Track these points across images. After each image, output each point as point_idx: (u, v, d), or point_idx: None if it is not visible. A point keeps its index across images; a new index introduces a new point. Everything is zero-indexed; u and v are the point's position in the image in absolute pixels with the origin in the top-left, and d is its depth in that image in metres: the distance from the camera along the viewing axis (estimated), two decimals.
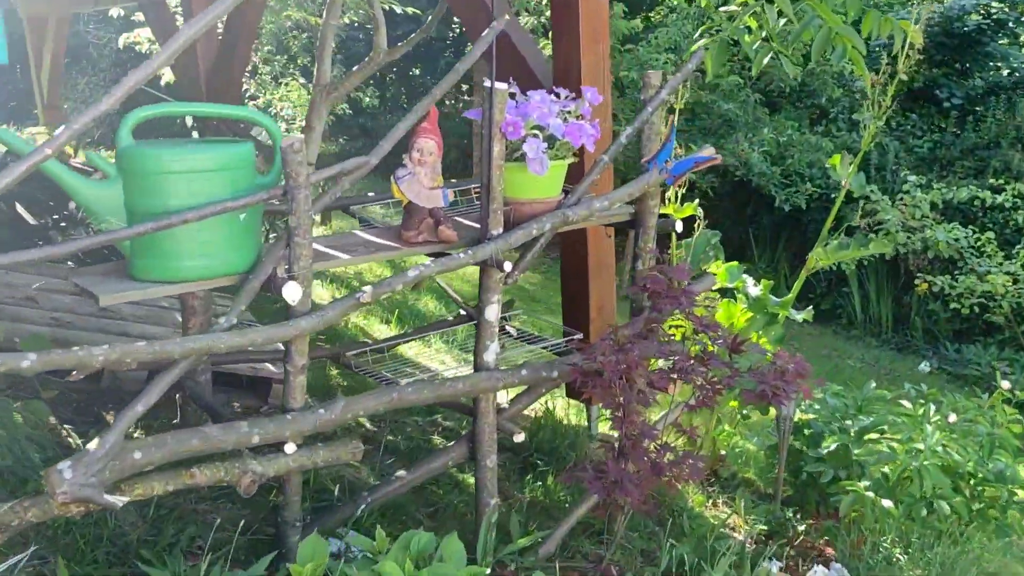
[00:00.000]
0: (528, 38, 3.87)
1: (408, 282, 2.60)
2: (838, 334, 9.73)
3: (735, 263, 3.91)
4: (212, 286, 2.39)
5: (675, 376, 2.87)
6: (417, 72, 13.53)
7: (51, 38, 8.57)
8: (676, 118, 4.06)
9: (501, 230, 2.80)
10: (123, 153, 2.32)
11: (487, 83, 2.68)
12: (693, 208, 4.18)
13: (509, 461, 3.81)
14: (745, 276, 3.99)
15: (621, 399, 2.71)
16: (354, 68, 3.62)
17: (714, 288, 3.94)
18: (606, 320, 3.87)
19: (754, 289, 3.76)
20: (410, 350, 5.13)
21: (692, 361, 2.90)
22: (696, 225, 4.31)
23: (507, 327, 3.86)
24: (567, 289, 3.96)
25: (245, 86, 8.91)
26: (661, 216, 3.17)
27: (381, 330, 5.71)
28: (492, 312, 2.84)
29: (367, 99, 9.08)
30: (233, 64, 5.95)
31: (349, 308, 2.50)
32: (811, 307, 4.10)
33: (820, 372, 8.03)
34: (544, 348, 3.66)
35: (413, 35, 3.82)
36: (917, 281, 8.32)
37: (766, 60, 3.99)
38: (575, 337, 3.49)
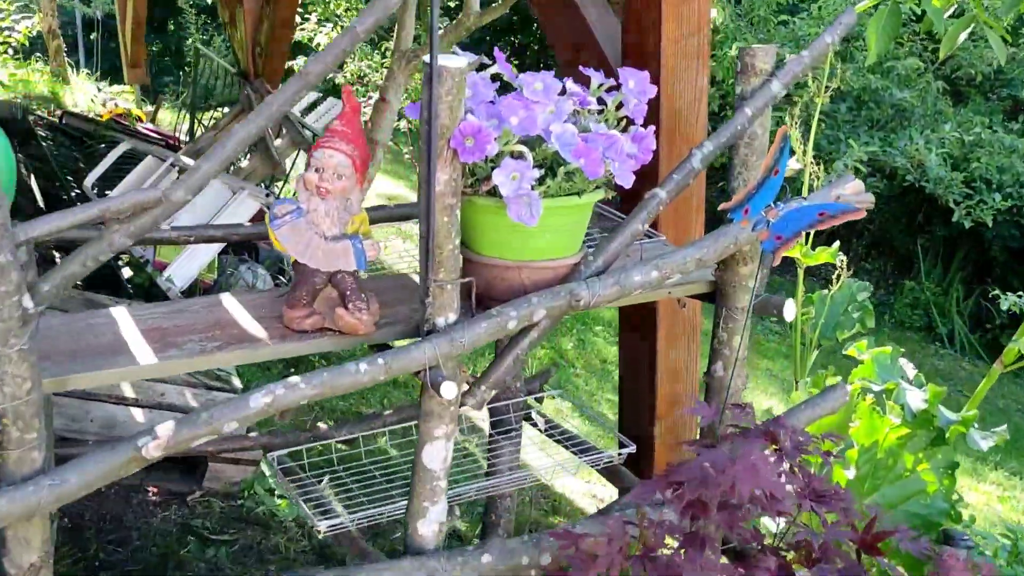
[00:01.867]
0: None
1: (247, 417, 1.42)
2: (1021, 379, 7.99)
3: (887, 349, 2.55)
4: None
5: None
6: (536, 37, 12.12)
7: None
8: (797, 123, 2.73)
9: (454, 317, 1.58)
10: None
11: (427, 57, 1.45)
12: (832, 254, 2.83)
13: None
14: (903, 366, 2.62)
15: None
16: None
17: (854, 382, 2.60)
18: (680, 421, 2.59)
19: (916, 396, 2.40)
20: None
21: (785, 560, 1.63)
22: (836, 275, 2.96)
23: (534, 414, 2.64)
24: (625, 371, 2.69)
25: None
26: (780, 268, 1.88)
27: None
28: (433, 456, 1.63)
29: None
30: (276, 18, 4.89)
31: (114, 468, 1.35)
32: (988, 345, 2.71)
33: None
34: (586, 460, 2.43)
35: None
36: None
37: (963, 37, 2.60)
38: (626, 451, 2.25)
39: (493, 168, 1.54)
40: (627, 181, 1.58)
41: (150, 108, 8.33)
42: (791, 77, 1.76)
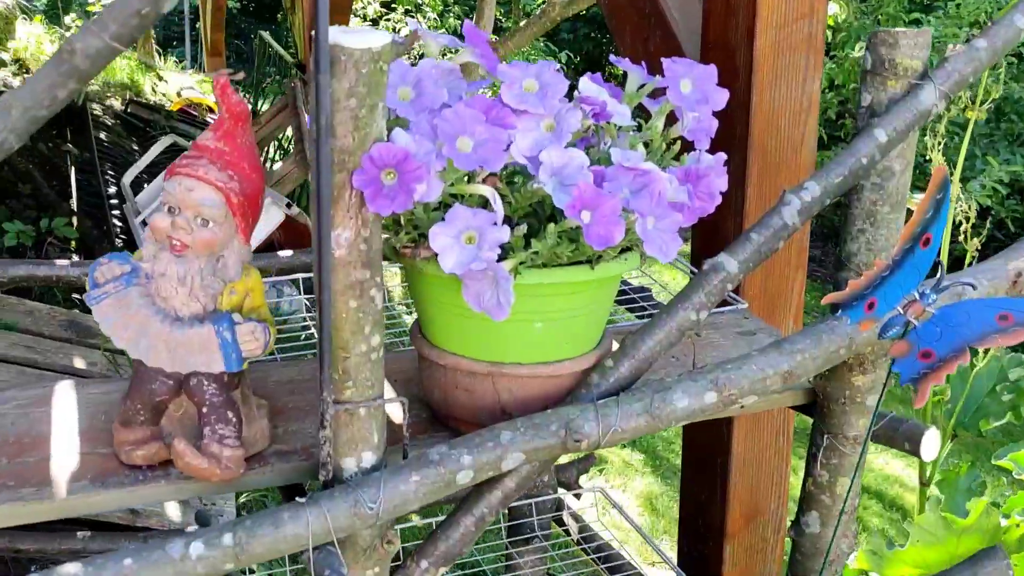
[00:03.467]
0: None
1: None
2: None
3: None
4: None
5: None
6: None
7: None
8: (940, 145, 2.03)
9: (372, 458, 0.97)
10: None
11: (317, 36, 0.84)
12: None
13: None
14: None
15: None
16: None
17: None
18: (759, 544, 1.92)
19: None
20: None
21: None
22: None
23: (566, 516, 2.02)
24: (688, 463, 2.03)
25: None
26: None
27: None
28: None
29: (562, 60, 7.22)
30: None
31: None
32: None
33: None
34: None
35: None
36: None
37: None
38: None
39: (432, 216, 0.92)
40: (664, 253, 0.93)
41: None
42: (956, 81, 1.09)
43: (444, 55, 1.12)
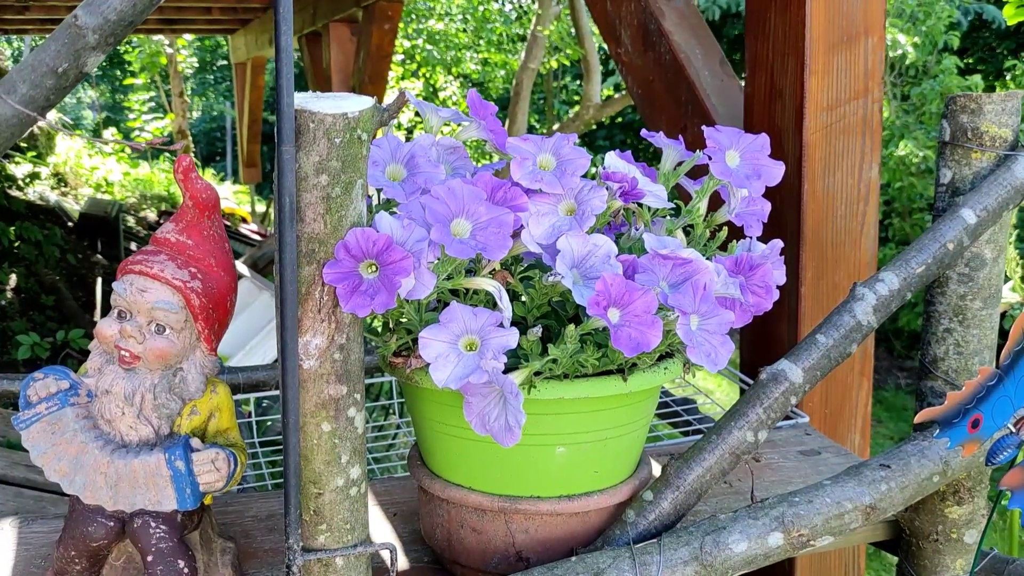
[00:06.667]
0: (705, 36, 1.82)
1: None
2: None
3: None
4: None
5: None
6: None
7: (248, 87, 7.53)
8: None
9: None
10: None
11: (295, 100, 0.69)
12: None
13: None
14: None
15: None
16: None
17: None
18: None
19: None
20: None
21: None
22: None
23: None
24: None
25: None
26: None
27: None
28: None
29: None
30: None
31: None
32: None
33: None
34: None
35: None
36: None
37: None
38: None
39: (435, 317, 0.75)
40: (713, 360, 0.75)
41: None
42: None
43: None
